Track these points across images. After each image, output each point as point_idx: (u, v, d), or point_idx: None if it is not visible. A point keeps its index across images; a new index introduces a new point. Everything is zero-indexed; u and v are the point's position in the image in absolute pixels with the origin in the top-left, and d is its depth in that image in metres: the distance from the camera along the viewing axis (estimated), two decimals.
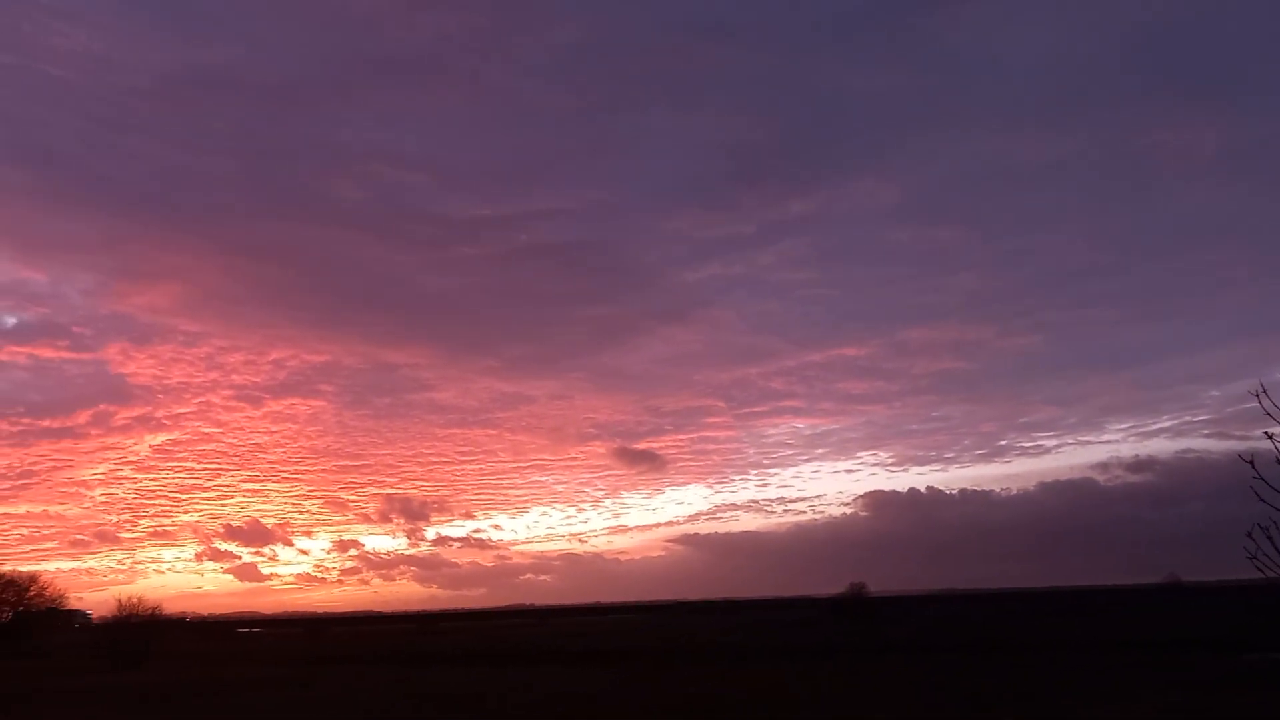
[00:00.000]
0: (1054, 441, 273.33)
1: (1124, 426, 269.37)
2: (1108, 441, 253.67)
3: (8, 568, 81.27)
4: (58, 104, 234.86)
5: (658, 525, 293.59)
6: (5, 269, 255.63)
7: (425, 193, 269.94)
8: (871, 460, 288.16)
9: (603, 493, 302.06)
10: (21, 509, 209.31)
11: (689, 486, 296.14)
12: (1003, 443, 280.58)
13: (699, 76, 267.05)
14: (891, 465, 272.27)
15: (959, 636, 59.58)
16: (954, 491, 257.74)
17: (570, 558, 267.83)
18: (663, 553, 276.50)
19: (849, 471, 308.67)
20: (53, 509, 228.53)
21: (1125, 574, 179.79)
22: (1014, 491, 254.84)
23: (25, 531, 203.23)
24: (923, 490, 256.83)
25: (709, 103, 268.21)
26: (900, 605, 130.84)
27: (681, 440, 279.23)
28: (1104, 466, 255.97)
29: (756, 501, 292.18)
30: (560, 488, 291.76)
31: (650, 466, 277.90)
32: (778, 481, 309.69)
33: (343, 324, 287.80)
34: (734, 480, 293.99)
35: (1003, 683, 29.86)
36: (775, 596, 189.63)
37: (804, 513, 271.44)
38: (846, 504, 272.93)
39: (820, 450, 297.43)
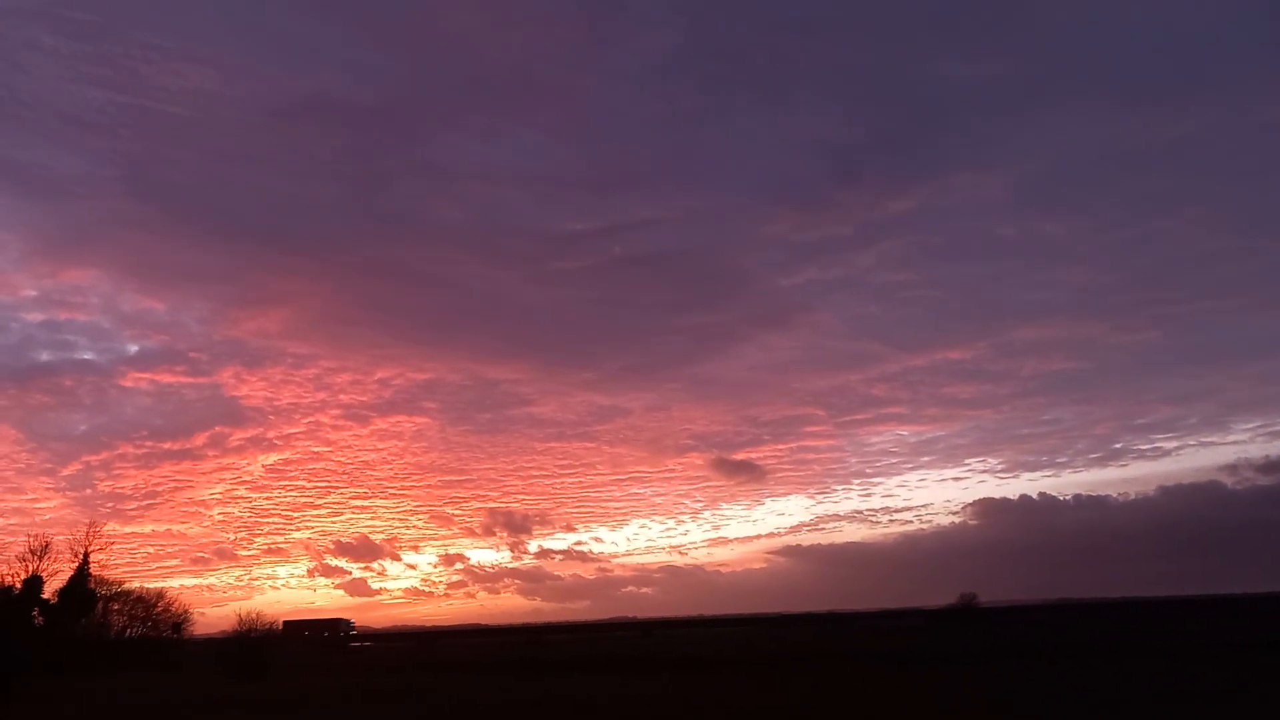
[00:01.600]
0: (1174, 443, 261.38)
1: (1251, 425, 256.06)
2: (1234, 442, 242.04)
3: (136, 584, 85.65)
4: (175, 141, 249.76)
5: (758, 537, 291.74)
6: (130, 300, 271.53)
7: (521, 209, 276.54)
8: (980, 467, 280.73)
9: (701, 504, 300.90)
10: (147, 528, 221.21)
11: (789, 497, 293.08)
12: (1118, 445, 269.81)
13: (790, 75, 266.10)
14: (1001, 471, 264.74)
15: (1066, 643, 57.75)
16: (1068, 497, 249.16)
17: (671, 570, 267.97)
18: (764, 565, 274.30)
19: (957, 479, 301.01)
20: (175, 528, 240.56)
21: (1258, 581, 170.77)
22: (1132, 496, 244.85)
23: (151, 550, 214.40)
24: (1035, 497, 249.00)
25: (801, 102, 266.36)
26: (1012, 615, 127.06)
27: (780, 450, 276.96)
28: (1232, 468, 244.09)
29: (860, 512, 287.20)
30: (659, 500, 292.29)
31: (749, 477, 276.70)
32: (882, 491, 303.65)
33: (445, 342, 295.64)
34: (836, 490, 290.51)
35: (1111, 688, 29.07)
36: (883, 608, 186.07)
37: (910, 522, 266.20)
38: (955, 512, 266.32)
39: (926, 458, 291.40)
